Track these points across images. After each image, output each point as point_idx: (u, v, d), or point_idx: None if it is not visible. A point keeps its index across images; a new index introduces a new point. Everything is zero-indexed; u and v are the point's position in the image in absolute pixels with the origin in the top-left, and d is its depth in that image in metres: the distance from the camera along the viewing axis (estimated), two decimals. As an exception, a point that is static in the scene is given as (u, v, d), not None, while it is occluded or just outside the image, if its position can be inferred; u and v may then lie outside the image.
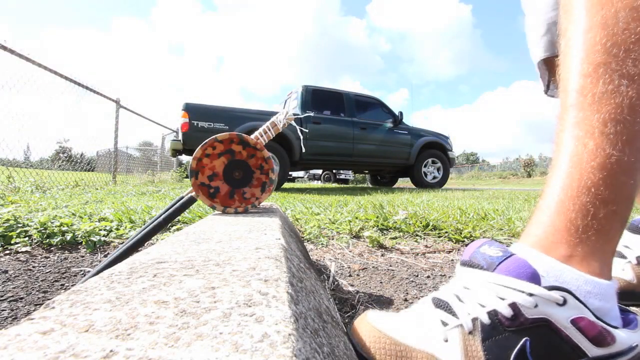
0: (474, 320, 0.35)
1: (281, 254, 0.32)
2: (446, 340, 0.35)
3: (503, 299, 0.35)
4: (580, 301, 0.34)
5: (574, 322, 0.33)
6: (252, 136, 0.76)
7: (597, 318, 0.34)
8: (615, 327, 0.34)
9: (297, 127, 0.83)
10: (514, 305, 0.34)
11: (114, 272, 0.26)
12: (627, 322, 0.37)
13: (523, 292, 0.34)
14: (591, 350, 0.33)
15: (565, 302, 0.33)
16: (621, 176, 0.36)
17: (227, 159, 0.74)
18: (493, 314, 0.35)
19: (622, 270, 0.74)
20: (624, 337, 0.34)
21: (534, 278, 0.35)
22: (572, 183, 0.37)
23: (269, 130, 0.78)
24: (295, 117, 0.80)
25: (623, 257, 0.76)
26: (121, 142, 5.89)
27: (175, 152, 4.57)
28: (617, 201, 0.36)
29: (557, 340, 0.33)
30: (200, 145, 0.70)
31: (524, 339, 0.33)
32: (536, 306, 0.34)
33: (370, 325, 0.38)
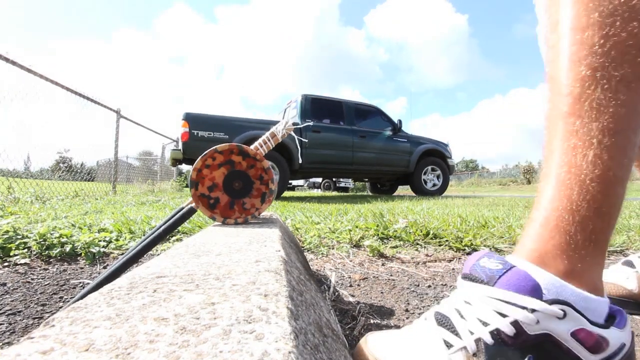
0: (477, 341, 0.35)
1: (281, 266, 0.32)
2: None
3: (505, 316, 0.34)
4: (579, 312, 0.33)
5: (574, 334, 0.33)
6: (252, 147, 0.76)
7: (592, 323, 0.34)
8: (606, 327, 0.34)
9: (296, 138, 0.84)
10: (516, 324, 0.33)
11: (114, 287, 0.25)
12: (612, 315, 0.36)
13: (525, 308, 0.33)
14: (589, 358, 0.33)
15: (565, 315, 0.33)
16: (617, 187, 0.35)
17: (227, 170, 0.74)
18: (496, 334, 0.34)
19: (626, 279, 0.73)
20: (614, 338, 0.34)
21: (536, 291, 0.34)
22: (571, 195, 0.36)
23: (269, 140, 0.79)
24: (295, 127, 0.81)
25: (632, 266, 0.75)
26: (121, 151, 5.91)
27: (175, 162, 4.59)
28: (612, 213, 0.36)
29: (558, 354, 0.33)
30: (200, 157, 0.70)
31: (527, 357, 0.33)
32: (538, 322, 0.33)
33: (374, 357, 0.38)
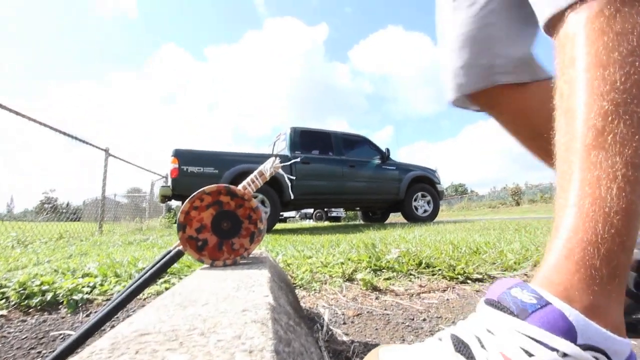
0: None
1: (268, 316, 0.32)
2: None
3: (531, 356, 0.32)
4: (610, 358, 0.31)
5: None
6: (240, 186, 0.77)
7: None
8: None
9: (285, 175, 0.85)
10: None
11: (94, 349, 0.25)
12: None
13: (556, 350, 0.31)
14: None
15: None
16: (637, 221, 0.35)
17: (215, 210, 0.74)
18: None
19: None
20: None
21: (570, 333, 0.31)
22: (596, 228, 0.35)
23: (257, 179, 0.79)
24: (283, 165, 0.82)
25: None
26: (109, 189, 5.84)
27: (164, 198, 4.54)
28: (632, 247, 0.35)
29: None
30: (188, 199, 0.70)
31: None
32: None
33: None
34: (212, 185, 0.71)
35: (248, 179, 0.79)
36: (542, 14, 0.45)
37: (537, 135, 0.78)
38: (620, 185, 0.35)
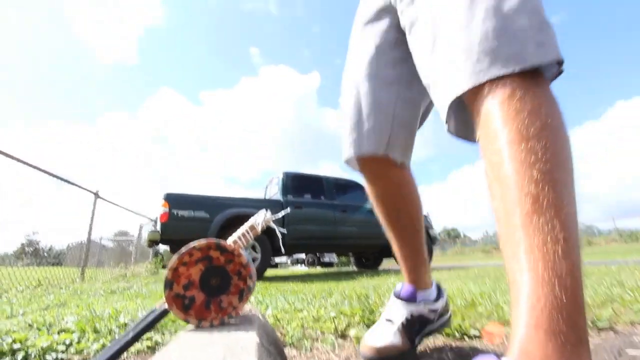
0: None
1: (255, 395, 0.30)
2: None
3: None
4: None
5: None
6: (230, 240, 0.76)
7: None
8: None
9: (277, 229, 0.85)
10: None
11: None
12: None
13: None
14: None
15: None
16: (582, 280, 0.37)
17: (204, 266, 0.72)
18: None
19: (393, 336, 0.85)
20: None
21: None
22: (554, 292, 0.35)
23: (248, 233, 0.79)
24: (275, 217, 0.83)
25: (391, 322, 0.88)
26: (96, 232, 5.67)
27: (152, 243, 4.41)
28: (584, 308, 0.36)
29: None
30: (176, 255, 0.69)
31: None
32: None
33: None
34: (202, 241, 0.71)
35: (239, 233, 0.79)
36: (457, 90, 0.50)
37: (394, 211, 0.96)
38: (564, 247, 0.36)
